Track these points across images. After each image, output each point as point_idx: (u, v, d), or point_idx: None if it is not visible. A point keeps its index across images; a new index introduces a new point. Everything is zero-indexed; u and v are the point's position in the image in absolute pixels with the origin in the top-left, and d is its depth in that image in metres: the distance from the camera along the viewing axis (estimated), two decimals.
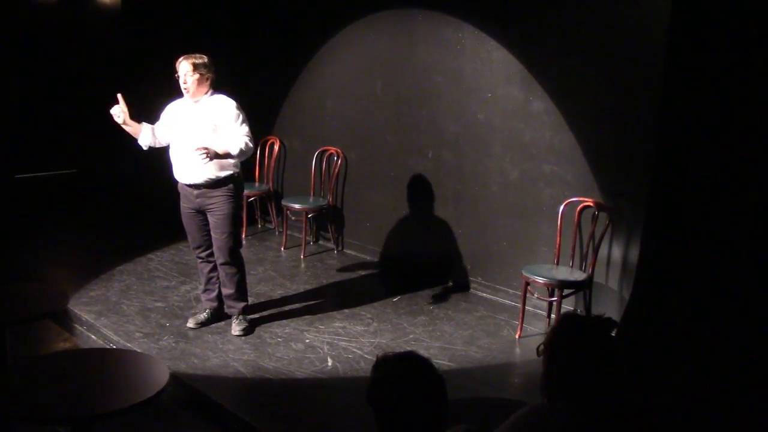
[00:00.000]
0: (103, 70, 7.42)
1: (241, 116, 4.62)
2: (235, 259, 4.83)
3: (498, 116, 5.54)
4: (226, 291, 4.91)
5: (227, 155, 4.53)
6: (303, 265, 6.37)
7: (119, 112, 4.64)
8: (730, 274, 3.08)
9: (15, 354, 4.21)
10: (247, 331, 4.89)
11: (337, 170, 6.67)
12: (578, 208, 5.07)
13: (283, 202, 6.71)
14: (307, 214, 6.56)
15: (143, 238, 6.77)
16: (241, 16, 7.38)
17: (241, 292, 4.92)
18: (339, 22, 6.54)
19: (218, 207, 4.70)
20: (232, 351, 4.64)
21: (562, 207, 5.11)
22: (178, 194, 4.84)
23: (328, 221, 6.80)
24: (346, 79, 6.60)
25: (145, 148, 4.91)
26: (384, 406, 2.06)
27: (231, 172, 4.69)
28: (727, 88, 3.04)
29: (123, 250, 6.43)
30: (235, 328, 4.88)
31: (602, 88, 4.92)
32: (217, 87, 4.72)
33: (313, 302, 5.49)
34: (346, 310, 5.35)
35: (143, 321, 5.05)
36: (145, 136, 4.80)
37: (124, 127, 4.74)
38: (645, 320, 3.46)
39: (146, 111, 4.98)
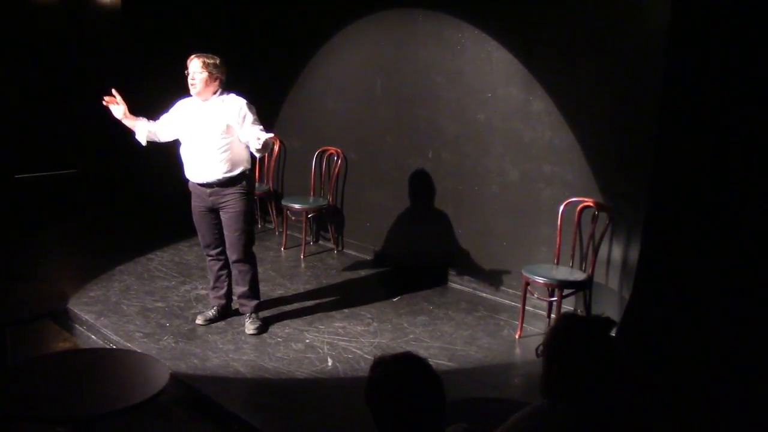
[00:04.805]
0: (103, 70, 7.42)
1: (253, 112, 4.63)
2: (247, 256, 4.84)
3: (498, 116, 5.54)
4: (239, 289, 4.90)
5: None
6: (303, 265, 6.37)
7: (116, 105, 4.68)
8: (730, 273, 3.08)
9: (15, 354, 4.21)
10: (261, 330, 4.88)
11: (337, 170, 6.67)
12: (578, 208, 5.06)
13: (283, 202, 6.71)
14: (307, 214, 6.56)
15: (143, 238, 6.77)
16: (241, 16, 7.38)
17: (254, 290, 4.92)
18: (339, 22, 6.54)
19: (231, 205, 4.69)
20: (232, 351, 4.64)
21: (562, 207, 5.11)
22: (182, 193, 4.82)
23: (328, 221, 6.80)
24: (346, 79, 6.60)
25: (143, 144, 4.89)
26: (381, 407, 2.07)
27: (243, 169, 4.69)
28: (727, 88, 3.04)
29: (123, 250, 6.43)
30: (249, 326, 4.87)
31: (602, 88, 4.91)
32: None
33: (313, 302, 5.49)
34: (346, 310, 5.35)
35: (143, 321, 5.05)
36: (141, 131, 4.79)
37: (123, 121, 4.76)
38: (645, 320, 3.46)
39: (146, 110, 4.98)
